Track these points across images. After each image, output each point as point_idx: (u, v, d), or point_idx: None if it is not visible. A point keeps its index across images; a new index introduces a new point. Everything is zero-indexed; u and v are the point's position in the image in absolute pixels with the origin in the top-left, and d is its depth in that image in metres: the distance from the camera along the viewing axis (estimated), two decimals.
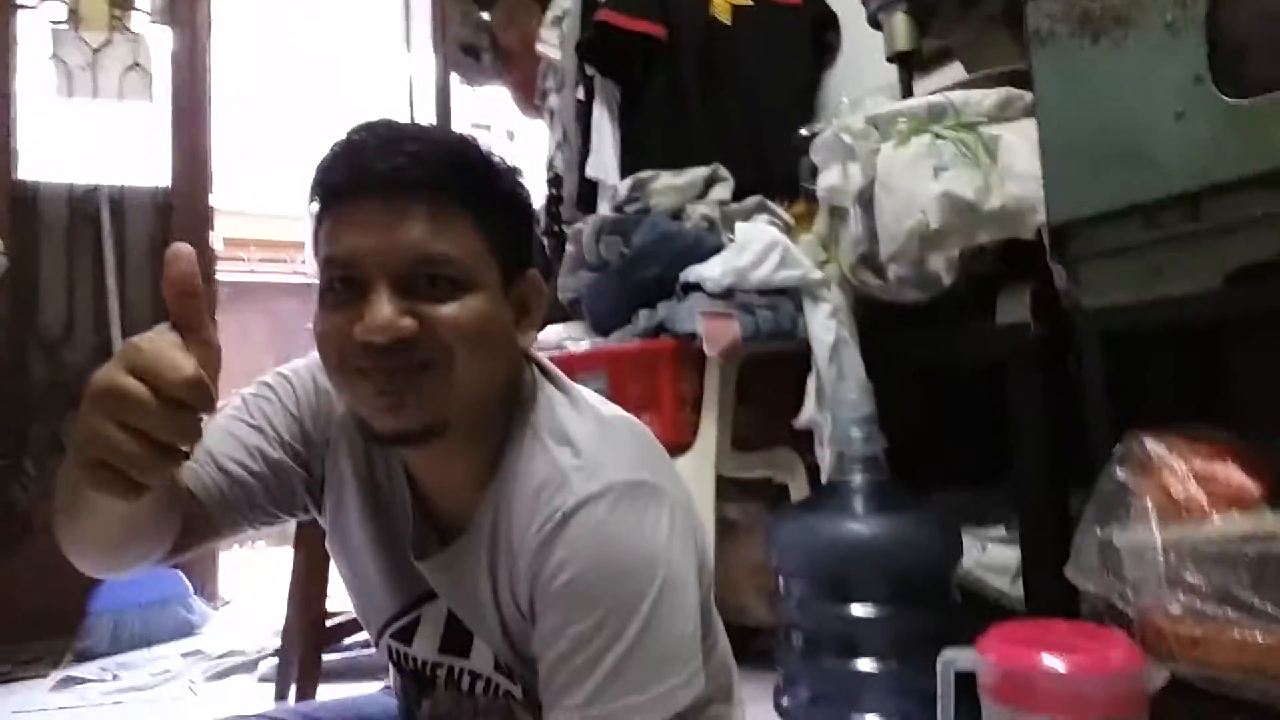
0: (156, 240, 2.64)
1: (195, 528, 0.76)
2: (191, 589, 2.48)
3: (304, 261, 7.01)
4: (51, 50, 2.58)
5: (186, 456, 0.54)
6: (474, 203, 0.72)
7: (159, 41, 2.70)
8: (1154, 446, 0.91)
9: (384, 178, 0.68)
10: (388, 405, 0.70)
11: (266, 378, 0.85)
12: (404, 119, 0.77)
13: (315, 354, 0.78)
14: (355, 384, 0.71)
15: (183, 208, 2.66)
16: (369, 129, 0.72)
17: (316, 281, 0.74)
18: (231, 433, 0.80)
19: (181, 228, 2.63)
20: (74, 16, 2.61)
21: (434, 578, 0.80)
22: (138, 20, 2.69)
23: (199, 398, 0.52)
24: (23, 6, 2.55)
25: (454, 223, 0.70)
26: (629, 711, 0.67)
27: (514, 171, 0.77)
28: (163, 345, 0.54)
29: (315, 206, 0.73)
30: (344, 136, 0.73)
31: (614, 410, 0.83)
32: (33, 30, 2.57)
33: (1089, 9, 0.99)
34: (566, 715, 0.68)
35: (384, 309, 0.67)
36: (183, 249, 0.58)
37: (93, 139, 2.61)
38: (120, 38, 2.65)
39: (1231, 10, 0.89)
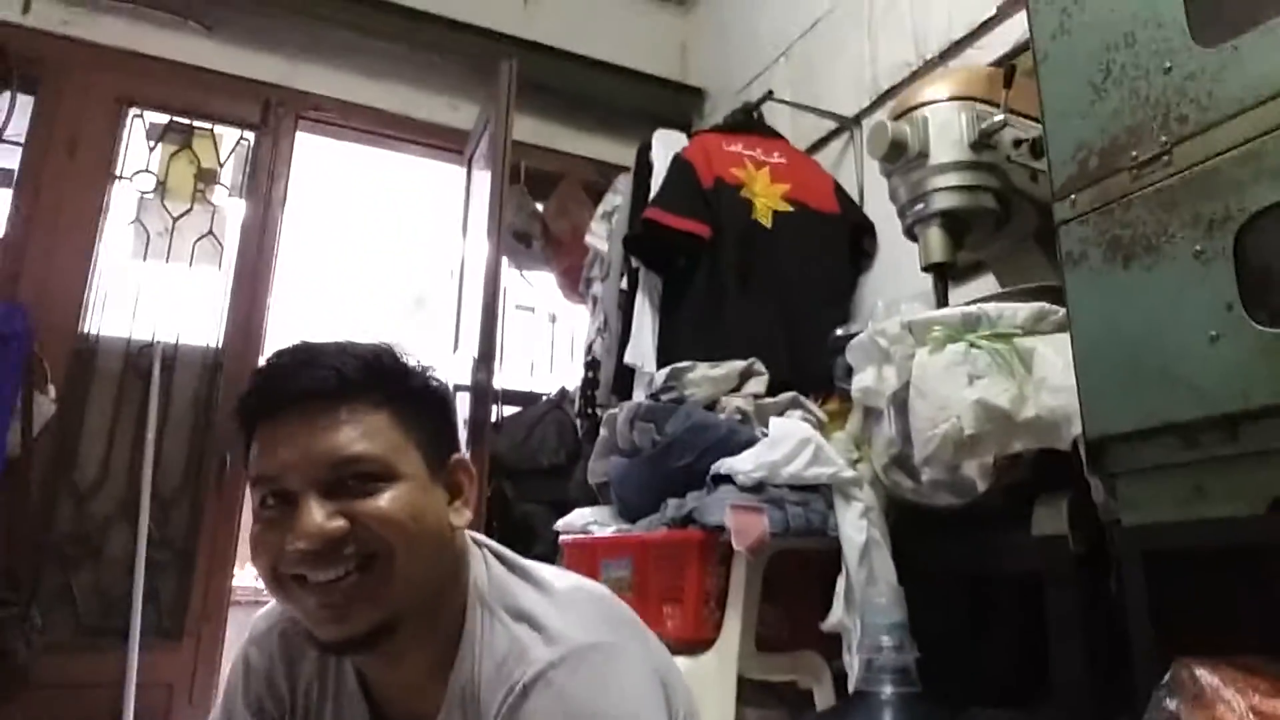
0: (201, 397, 2.72)
1: None
2: None
3: None
4: (135, 215, 2.76)
5: None
6: (389, 401, 0.77)
7: (234, 212, 2.89)
8: (1206, 677, 0.86)
9: (302, 393, 0.74)
10: (331, 615, 0.72)
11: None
12: (329, 339, 0.82)
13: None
14: (296, 596, 0.74)
15: (232, 368, 2.75)
16: (286, 352, 0.79)
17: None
18: None
19: (228, 387, 2.71)
20: (161, 188, 2.82)
21: None
22: (219, 193, 2.89)
23: None
24: (119, 177, 2.76)
25: (371, 422, 0.75)
26: None
27: (428, 369, 0.83)
28: None
29: (243, 437, 0.78)
30: (263, 364, 0.80)
31: (570, 580, 0.86)
32: (122, 197, 2.77)
33: (1119, 235, 1.04)
34: None
35: (313, 515, 0.71)
36: None
37: (158, 299, 2.74)
38: (200, 208, 2.84)
39: (1257, 243, 0.92)
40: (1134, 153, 1.03)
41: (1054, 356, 1.25)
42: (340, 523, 0.72)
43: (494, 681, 0.75)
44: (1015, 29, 2.00)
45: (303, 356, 0.78)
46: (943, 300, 1.67)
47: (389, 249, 5.20)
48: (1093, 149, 1.08)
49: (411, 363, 0.82)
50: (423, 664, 0.79)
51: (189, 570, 2.60)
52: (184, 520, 2.63)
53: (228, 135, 2.95)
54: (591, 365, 2.78)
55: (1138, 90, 1.04)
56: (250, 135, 2.97)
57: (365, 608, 0.72)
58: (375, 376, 0.78)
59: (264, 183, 2.94)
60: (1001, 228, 1.69)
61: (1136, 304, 1.01)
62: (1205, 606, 1.03)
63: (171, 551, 2.60)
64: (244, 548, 2.83)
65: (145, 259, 2.75)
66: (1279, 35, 0.90)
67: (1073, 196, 1.10)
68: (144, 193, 2.80)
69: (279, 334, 2.97)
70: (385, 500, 0.73)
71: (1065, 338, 1.14)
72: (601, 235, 2.84)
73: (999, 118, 1.57)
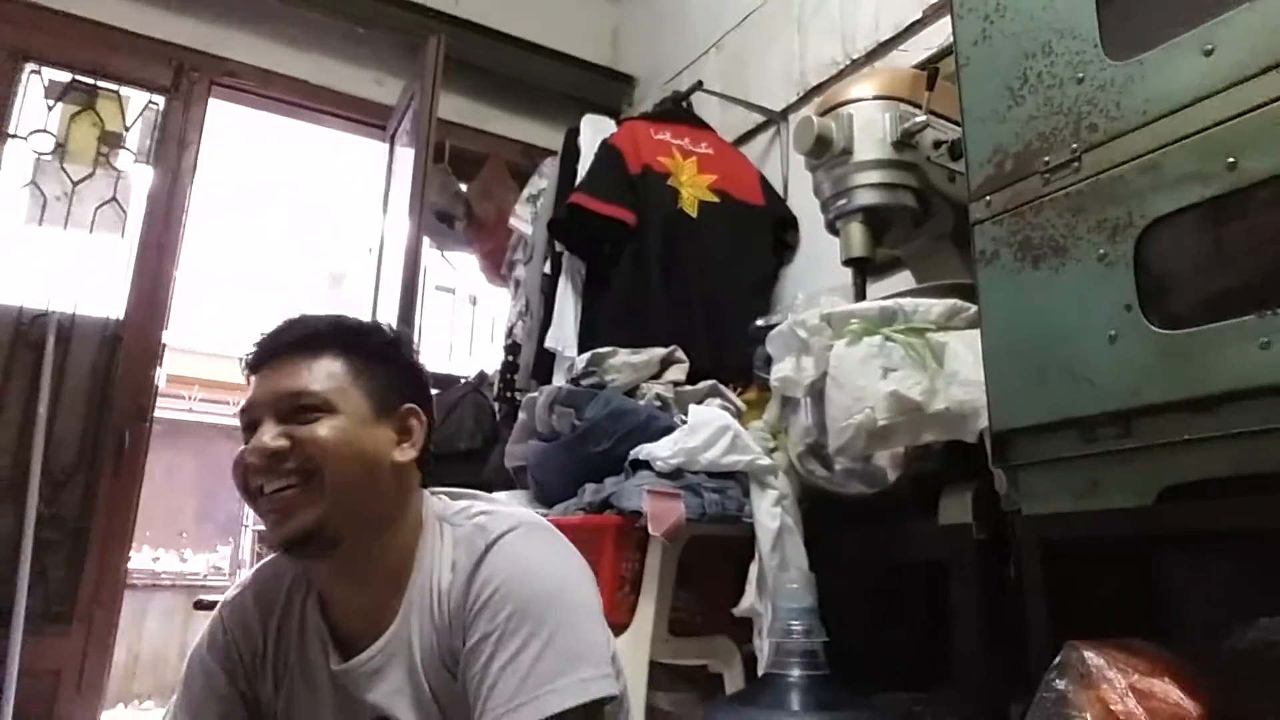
0: (99, 370, 2.59)
1: None
2: None
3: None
4: (30, 178, 2.61)
5: None
6: (344, 352, 0.95)
7: (140, 179, 2.76)
8: (1093, 658, 0.91)
9: (279, 346, 0.95)
10: (276, 518, 0.89)
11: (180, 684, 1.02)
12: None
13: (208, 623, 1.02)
14: (258, 504, 0.91)
15: (132, 341, 2.63)
16: (281, 322, 0.98)
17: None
18: None
19: (128, 361, 2.60)
20: (60, 149, 2.67)
21: (360, 680, 0.92)
22: (124, 158, 2.75)
23: None
24: (14, 136, 2.60)
25: (323, 367, 0.93)
26: (548, 694, 0.80)
27: (386, 331, 1.02)
28: None
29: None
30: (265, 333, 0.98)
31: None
32: (16, 157, 2.61)
33: (1030, 237, 1.08)
34: (494, 715, 0.80)
35: (264, 435, 0.90)
36: None
37: (56, 267, 2.60)
38: (103, 173, 2.70)
39: (1154, 249, 0.97)
40: (1046, 158, 1.07)
41: (965, 351, 1.29)
42: (282, 442, 0.89)
43: (454, 568, 0.91)
44: (939, 33, 2.06)
45: (290, 320, 0.98)
46: (861, 294, 1.70)
47: (306, 224, 5.05)
48: (1008, 152, 1.12)
49: (379, 328, 1.01)
50: (380, 581, 0.93)
51: (81, 552, 2.48)
52: (77, 499, 2.50)
53: (135, 98, 2.81)
54: (512, 349, 2.76)
55: (1052, 98, 1.08)
56: (160, 99, 2.83)
57: (300, 512, 0.88)
58: (338, 333, 0.96)
59: (173, 150, 2.80)
60: (919, 225, 1.73)
61: (1044, 303, 1.05)
62: (1101, 594, 1.08)
63: (63, 532, 2.47)
64: (141, 529, 2.72)
65: (41, 224, 2.61)
66: (1180, 53, 0.95)
67: (988, 198, 1.14)
68: (41, 154, 2.65)
69: (185, 307, 2.85)
70: (320, 427, 0.90)
71: (976, 333, 1.18)
72: (526, 218, 2.82)
73: (921, 119, 1.62)
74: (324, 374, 0.93)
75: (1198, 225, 0.96)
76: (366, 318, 1.03)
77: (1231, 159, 0.89)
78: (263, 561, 1.07)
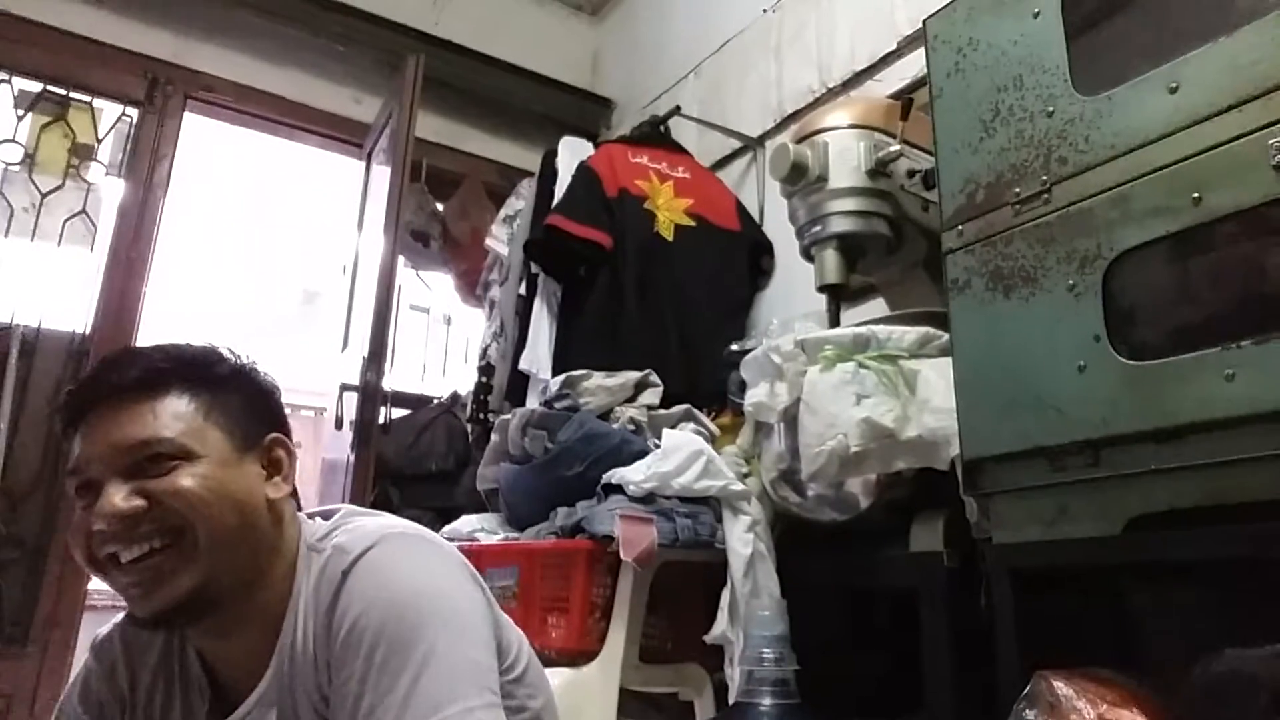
0: (64, 386, 2.53)
1: None
2: None
3: None
4: None
5: None
6: (189, 389, 0.83)
7: (111, 192, 2.73)
8: (1062, 688, 0.91)
9: (109, 388, 0.81)
10: (141, 591, 0.78)
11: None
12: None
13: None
14: (113, 578, 0.79)
15: (100, 356, 2.58)
16: (99, 363, 0.86)
17: None
18: None
19: None
20: (29, 160, 2.63)
21: None
22: (95, 170, 2.72)
23: None
24: None
25: (168, 408, 0.81)
26: None
27: (230, 358, 0.90)
28: None
29: (66, 440, 0.84)
30: (80, 379, 0.86)
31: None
32: None
33: (1001, 266, 1.09)
34: None
35: (111, 497, 0.76)
36: None
37: (21, 279, 2.55)
38: (73, 185, 2.67)
39: (1123, 281, 0.98)
40: (1017, 189, 1.09)
41: (937, 379, 1.30)
42: (137, 501, 0.77)
43: (320, 598, 0.81)
44: (914, 64, 2.09)
45: (112, 359, 0.86)
46: (835, 320, 1.71)
47: (280, 241, 5.01)
48: (980, 183, 1.14)
49: (220, 356, 0.89)
50: (255, 632, 0.83)
51: (39, 571, 2.41)
52: (37, 517, 2.44)
53: (108, 110, 2.78)
54: (485, 370, 2.74)
55: (1023, 131, 1.10)
56: (133, 112, 2.80)
57: (173, 579, 0.77)
58: (177, 366, 0.84)
59: (146, 163, 2.77)
60: (893, 253, 1.75)
61: (1014, 332, 1.06)
62: (1071, 623, 1.09)
63: (21, 550, 2.41)
64: None
65: (7, 235, 2.56)
66: (1147, 89, 0.97)
67: (960, 227, 1.15)
68: (9, 164, 2.61)
69: (154, 322, 2.81)
70: (181, 477, 0.79)
71: (948, 361, 1.19)
72: (502, 239, 2.81)
73: (895, 148, 1.63)
74: (170, 416, 0.81)
75: (1165, 258, 0.97)
76: (199, 344, 0.91)
77: (1196, 194, 0.90)
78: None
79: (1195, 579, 1.08)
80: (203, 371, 0.86)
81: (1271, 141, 0.85)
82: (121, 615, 0.93)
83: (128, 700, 0.91)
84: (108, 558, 0.78)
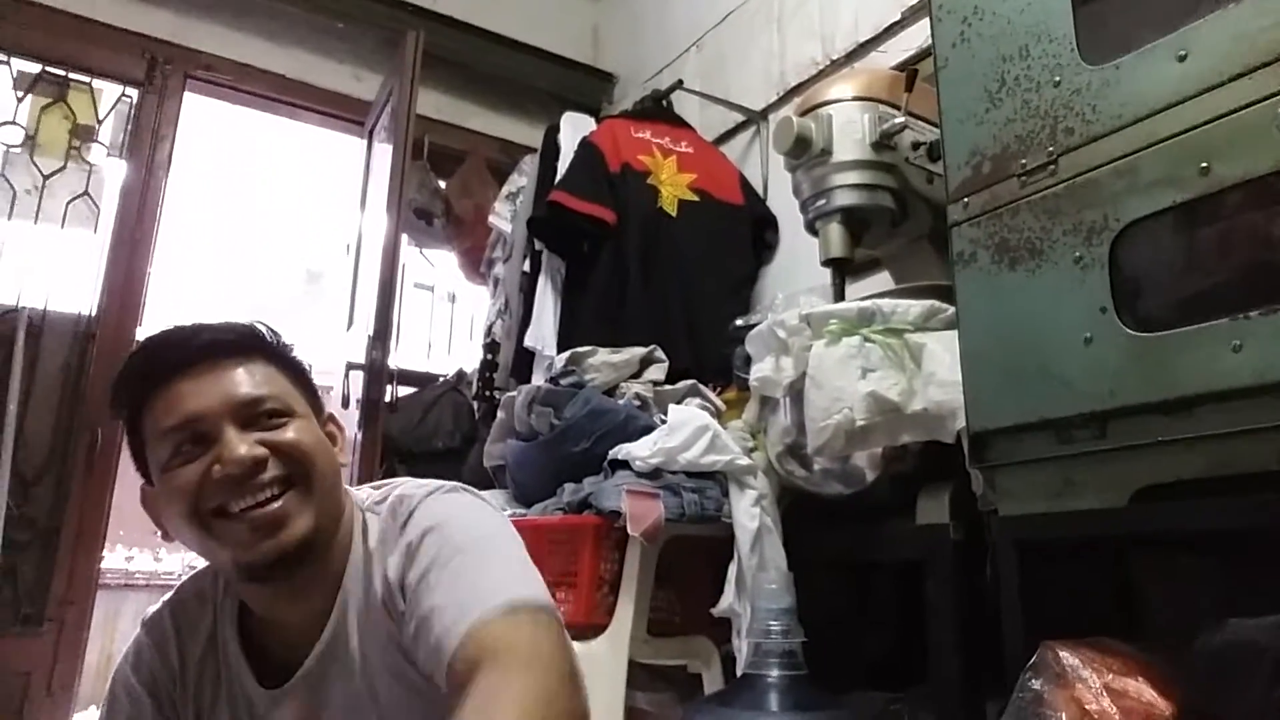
0: (72, 367, 2.55)
1: None
2: None
3: None
4: None
5: None
6: (271, 360, 0.90)
7: (113, 173, 2.72)
8: (1068, 658, 0.91)
9: (201, 350, 0.86)
10: (262, 535, 0.81)
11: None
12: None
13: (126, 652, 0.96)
14: (222, 529, 0.82)
15: (106, 338, 2.59)
16: (161, 334, 0.90)
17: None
18: None
19: (101, 359, 2.56)
20: (30, 142, 2.63)
21: (303, 694, 0.88)
22: (96, 152, 2.71)
23: None
24: None
25: (265, 372, 0.88)
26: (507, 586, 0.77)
27: (291, 346, 0.96)
28: None
29: (127, 412, 0.87)
30: (139, 347, 0.92)
31: None
32: None
33: (1007, 239, 1.08)
34: (449, 623, 0.75)
35: (236, 444, 0.82)
36: None
37: (26, 262, 2.56)
38: (74, 167, 2.66)
39: (1129, 252, 0.98)
40: (1023, 160, 1.08)
41: (942, 352, 1.30)
42: (261, 450, 0.82)
43: (383, 541, 0.87)
44: (918, 35, 2.07)
45: (188, 328, 0.88)
46: (840, 294, 1.71)
47: (283, 220, 5.00)
48: (986, 155, 1.13)
49: (278, 334, 0.95)
50: (318, 594, 0.88)
51: (52, 552, 2.44)
52: (49, 498, 2.46)
53: (108, 91, 2.76)
54: (491, 347, 2.75)
55: (1029, 101, 1.08)
56: (134, 92, 2.79)
57: (291, 522, 0.82)
58: (257, 340, 0.91)
59: (147, 144, 2.76)
60: (898, 226, 1.74)
61: (1020, 305, 1.06)
62: (1076, 594, 1.09)
63: (33, 531, 2.43)
64: (114, 528, 2.68)
65: (10, 218, 2.56)
66: (1155, 58, 0.96)
67: (965, 199, 1.15)
68: (10, 146, 2.60)
69: (160, 303, 2.81)
70: (293, 430, 0.86)
71: (953, 334, 1.19)
72: (505, 216, 2.80)
73: (899, 120, 1.62)
74: (265, 378, 0.88)
75: (1172, 229, 0.97)
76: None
77: (1204, 164, 0.90)
78: (185, 579, 1.01)
79: (1200, 550, 1.09)
80: (276, 345, 0.93)
81: None
82: (170, 594, 0.99)
83: (178, 676, 0.95)
84: (213, 510, 0.82)
